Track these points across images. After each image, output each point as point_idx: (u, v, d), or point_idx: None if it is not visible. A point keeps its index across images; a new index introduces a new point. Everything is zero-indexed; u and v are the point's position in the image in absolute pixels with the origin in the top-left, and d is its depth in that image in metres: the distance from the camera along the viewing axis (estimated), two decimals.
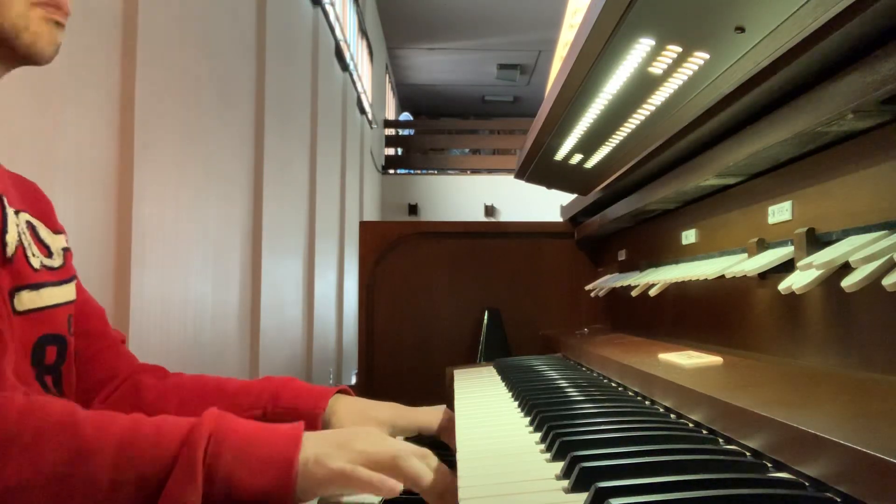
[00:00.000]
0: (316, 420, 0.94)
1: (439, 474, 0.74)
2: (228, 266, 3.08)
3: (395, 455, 0.73)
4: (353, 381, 5.71)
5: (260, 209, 3.50)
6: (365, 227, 2.12)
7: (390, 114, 11.55)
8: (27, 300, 0.80)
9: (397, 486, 0.72)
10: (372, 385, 2.05)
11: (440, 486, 0.73)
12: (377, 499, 0.82)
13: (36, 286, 0.81)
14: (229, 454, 0.66)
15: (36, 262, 0.83)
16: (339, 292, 5.96)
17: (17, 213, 0.83)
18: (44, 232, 0.88)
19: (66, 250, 0.92)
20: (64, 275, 0.88)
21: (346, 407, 0.97)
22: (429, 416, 1.02)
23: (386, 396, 2.10)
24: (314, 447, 0.71)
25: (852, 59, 0.73)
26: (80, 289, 0.96)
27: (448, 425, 1.00)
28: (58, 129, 1.75)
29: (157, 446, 0.65)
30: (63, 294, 0.87)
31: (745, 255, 1.07)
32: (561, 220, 2.17)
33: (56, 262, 0.88)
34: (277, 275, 3.85)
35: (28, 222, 0.86)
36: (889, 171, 0.77)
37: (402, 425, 0.99)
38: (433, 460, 0.77)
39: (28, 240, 0.83)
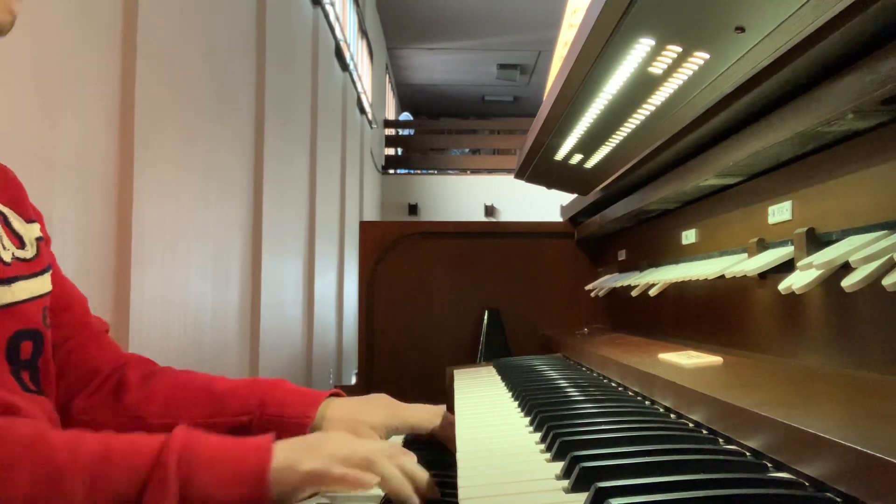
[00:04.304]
0: (304, 430, 0.91)
1: (410, 477, 0.75)
2: (228, 266, 3.08)
3: (366, 457, 0.73)
4: (353, 381, 5.71)
5: (260, 209, 3.50)
6: (365, 227, 2.12)
7: (390, 114, 11.55)
8: None
9: (372, 479, 0.72)
10: (372, 385, 2.05)
11: (405, 491, 0.74)
12: (375, 492, 0.82)
13: (7, 281, 0.79)
14: (202, 471, 0.67)
15: (7, 256, 0.80)
16: (339, 292, 5.96)
17: None
18: (16, 222, 0.85)
19: (39, 240, 0.88)
20: (37, 266, 0.85)
21: (336, 412, 0.94)
22: (422, 417, 1.00)
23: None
24: (284, 454, 0.71)
25: (852, 59, 0.73)
26: (59, 278, 0.92)
27: (443, 431, 0.98)
28: (58, 129, 1.75)
29: (130, 465, 0.65)
30: (37, 287, 0.84)
31: (745, 255, 1.07)
32: (561, 220, 2.17)
33: (29, 253, 0.84)
34: (277, 275, 3.85)
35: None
36: (889, 171, 0.77)
37: (394, 426, 0.98)
38: (411, 465, 0.77)
39: None
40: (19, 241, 0.84)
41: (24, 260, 0.83)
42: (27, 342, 0.81)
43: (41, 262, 0.86)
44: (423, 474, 0.77)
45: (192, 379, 0.98)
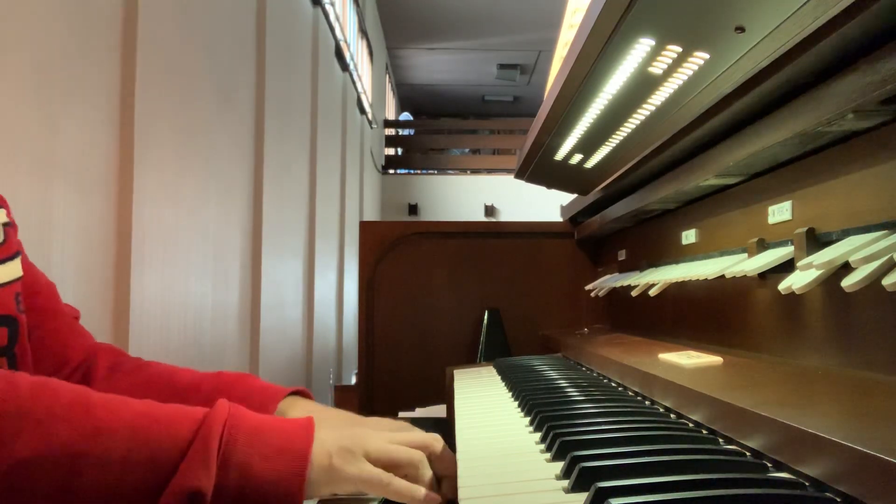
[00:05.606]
0: None
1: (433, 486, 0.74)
2: (228, 266, 3.07)
3: (415, 463, 0.73)
4: (353, 381, 5.71)
5: (260, 209, 3.50)
6: (365, 227, 2.12)
7: (390, 114, 11.55)
8: None
9: (436, 498, 0.71)
10: (372, 385, 2.05)
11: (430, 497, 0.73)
12: (377, 499, 0.82)
13: None
14: (244, 441, 0.66)
15: None
16: (339, 292, 5.96)
17: None
18: None
19: (6, 225, 0.87)
20: (6, 252, 0.84)
21: (299, 413, 0.92)
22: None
23: (386, 396, 2.10)
24: (335, 441, 0.70)
25: (852, 59, 0.73)
26: (27, 264, 0.91)
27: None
28: (58, 129, 1.75)
29: (172, 430, 0.64)
30: (7, 272, 0.82)
31: (745, 255, 1.07)
32: (561, 220, 2.17)
33: None
34: (277, 275, 3.85)
35: None
36: (889, 171, 0.77)
37: None
38: (445, 462, 0.76)
39: None
40: None
41: None
42: (2, 329, 0.80)
43: (9, 248, 0.85)
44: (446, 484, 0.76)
45: (156, 372, 0.97)
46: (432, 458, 0.76)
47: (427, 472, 0.73)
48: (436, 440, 0.77)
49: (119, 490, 0.62)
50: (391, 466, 0.72)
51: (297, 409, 0.94)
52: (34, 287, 0.93)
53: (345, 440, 0.71)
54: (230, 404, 0.69)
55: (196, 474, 0.62)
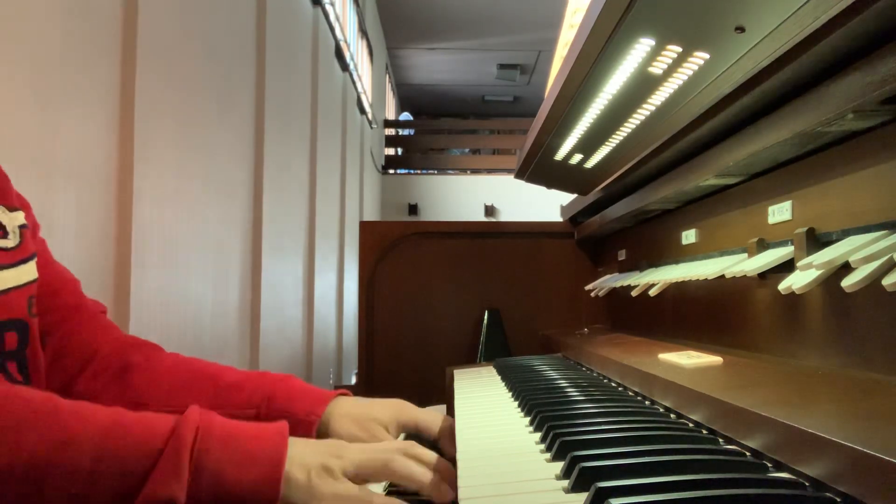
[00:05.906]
0: (311, 427, 0.89)
1: (437, 467, 0.74)
2: (228, 266, 3.07)
3: (386, 460, 0.72)
4: (353, 381, 5.71)
5: (260, 209, 3.50)
6: (365, 227, 2.12)
7: (390, 114, 11.54)
8: None
9: None
10: (372, 385, 2.05)
11: (435, 479, 0.73)
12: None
13: None
14: (217, 449, 0.65)
15: None
16: (339, 292, 5.96)
17: None
18: None
19: (23, 227, 0.86)
20: (21, 255, 0.83)
21: (345, 410, 0.93)
22: (430, 417, 0.99)
23: (386, 396, 2.10)
24: (313, 458, 0.69)
25: (852, 59, 0.73)
26: (48, 262, 0.91)
27: (449, 433, 0.96)
28: (58, 129, 1.75)
29: (142, 438, 0.63)
30: (19, 276, 0.81)
31: (745, 255, 1.07)
32: (561, 220, 2.17)
33: (11, 242, 0.82)
34: (277, 275, 3.85)
35: None
36: (889, 171, 0.77)
37: (403, 421, 0.96)
38: (423, 451, 0.76)
39: None
40: (2, 231, 0.83)
41: (6, 249, 0.81)
42: (11, 333, 0.79)
43: (25, 251, 0.84)
44: (445, 462, 0.76)
45: (198, 367, 0.96)
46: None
47: (402, 467, 0.72)
48: (412, 445, 0.77)
49: (88, 500, 0.60)
50: (372, 475, 0.72)
51: (343, 405, 0.93)
52: (57, 284, 0.92)
53: (324, 457, 0.70)
54: (201, 410, 0.68)
55: (167, 483, 0.61)
